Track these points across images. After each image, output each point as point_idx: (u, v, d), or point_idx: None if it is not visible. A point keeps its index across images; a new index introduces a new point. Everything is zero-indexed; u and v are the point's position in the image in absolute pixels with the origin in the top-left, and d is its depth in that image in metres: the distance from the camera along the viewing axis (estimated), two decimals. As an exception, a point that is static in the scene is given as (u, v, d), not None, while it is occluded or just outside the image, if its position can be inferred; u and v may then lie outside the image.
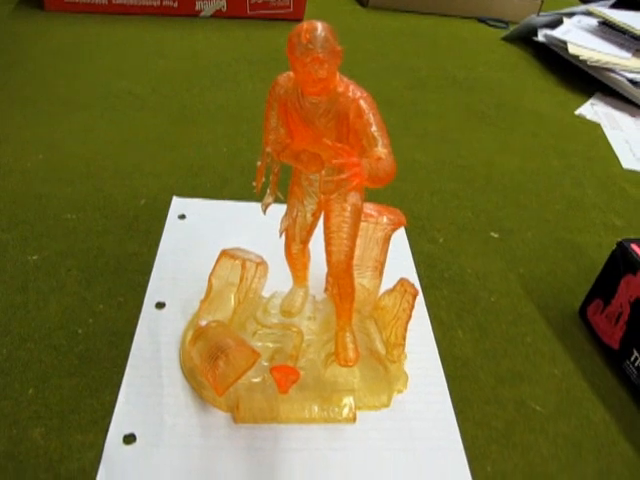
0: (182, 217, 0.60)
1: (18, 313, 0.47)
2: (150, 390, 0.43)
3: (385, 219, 0.48)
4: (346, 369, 0.44)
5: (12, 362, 0.43)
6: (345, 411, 0.43)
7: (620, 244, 0.50)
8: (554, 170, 0.76)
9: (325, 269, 0.41)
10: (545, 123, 0.87)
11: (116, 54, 0.89)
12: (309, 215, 0.42)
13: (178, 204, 0.61)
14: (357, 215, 0.40)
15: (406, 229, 0.62)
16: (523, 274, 0.58)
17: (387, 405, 0.44)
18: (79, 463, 0.38)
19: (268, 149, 0.38)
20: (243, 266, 0.47)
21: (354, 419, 0.42)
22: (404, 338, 0.45)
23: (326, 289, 0.46)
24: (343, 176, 0.30)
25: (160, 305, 0.50)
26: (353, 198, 0.39)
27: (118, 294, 0.50)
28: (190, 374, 0.44)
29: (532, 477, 0.41)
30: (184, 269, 0.53)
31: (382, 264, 0.49)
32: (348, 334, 0.43)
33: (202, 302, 0.47)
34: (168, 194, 0.62)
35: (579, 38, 1.02)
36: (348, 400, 0.43)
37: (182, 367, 0.45)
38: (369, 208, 0.49)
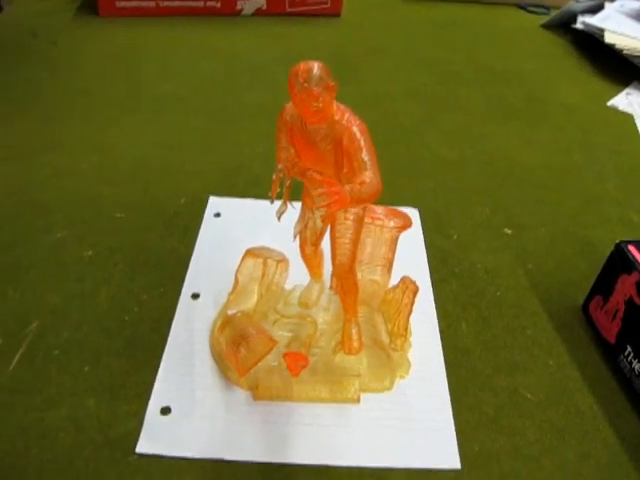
0: (217, 215, 0.66)
1: (76, 301, 0.55)
2: (184, 370, 0.50)
3: (392, 223, 0.52)
4: (353, 356, 0.50)
5: (71, 343, 0.51)
6: (350, 393, 0.48)
7: (618, 245, 0.52)
8: (577, 165, 0.77)
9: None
10: (574, 116, 0.87)
11: (162, 56, 0.96)
12: (319, 221, 0.47)
13: (214, 203, 0.68)
14: (359, 222, 0.45)
15: (422, 225, 0.66)
16: (531, 269, 0.62)
17: (389, 389, 0.50)
18: (125, 428, 0.45)
19: (280, 166, 0.44)
20: (265, 264, 0.53)
21: (358, 400, 0.48)
22: (406, 329, 0.51)
23: (331, 286, 0.52)
24: (324, 203, 0.35)
25: (195, 296, 0.57)
26: (355, 208, 0.44)
27: (159, 285, 0.57)
28: (218, 357, 0.51)
29: (515, 458, 0.45)
30: (217, 263, 0.60)
31: (390, 261, 0.54)
32: (354, 326, 0.49)
33: (230, 295, 0.54)
34: (206, 193, 0.69)
35: (619, 25, 1.00)
36: (354, 383, 0.49)
37: (211, 351, 0.52)
38: (379, 212, 0.53)
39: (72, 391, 0.48)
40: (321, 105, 0.37)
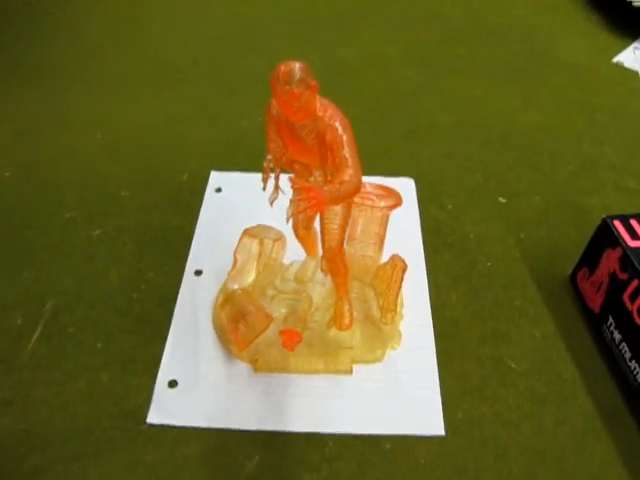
0: (218, 190, 0.68)
1: (88, 281, 0.58)
2: (189, 344, 0.54)
3: (382, 203, 0.54)
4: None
5: (85, 321, 0.55)
6: (343, 365, 0.52)
7: (604, 220, 0.54)
8: (575, 127, 0.77)
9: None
10: (576, 74, 0.86)
11: (162, 20, 0.96)
12: (309, 207, 0.49)
13: (215, 178, 0.70)
14: (347, 208, 0.46)
15: (418, 195, 0.68)
16: (523, 239, 0.63)
17: (380, 360, 0.53)
18: (136, 400, 0.50)
19: (269, 157, 0.46)
20: (261, 243, 0.56)
21: (351, 371, 0.52)
22: (395, 305, 0.53)
23: (321, 268, 0.54)
24: (301, 208, 0.38)
25: (198, 272, 0.60)
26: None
27: (164, 263, 0.60)
28: (220, 331, 0.54)
29: (496, 423, 0.49)
30: (219, 239, 0.62)
31: (382, 238, 0.56)
32: (345, 303, 0.52)
33: (229, 272, 0.57)
34: (208, 167, 0.71)
35: (630, -28, 0.96)
36: (346, 356, 0.52)
37: (214, 326, 0.55)
38: (370, 190, 0.55)
39: (87, 366, 0.52)
40: (302, 104, 0.39)
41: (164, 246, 0.62)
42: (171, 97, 0.81)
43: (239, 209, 0.65)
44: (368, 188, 0.56)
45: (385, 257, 0.57)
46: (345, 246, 0.56)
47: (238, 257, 0.56)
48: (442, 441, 0.48)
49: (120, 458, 0.46)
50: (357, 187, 0.40)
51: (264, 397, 0.50)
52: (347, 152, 0.40)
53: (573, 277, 0.59)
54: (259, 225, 0.57)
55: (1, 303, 0.56)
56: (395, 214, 0.65)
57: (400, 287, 0.53)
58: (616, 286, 0.52)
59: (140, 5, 0.99)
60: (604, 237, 0.54)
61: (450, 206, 0.67)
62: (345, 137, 0.40)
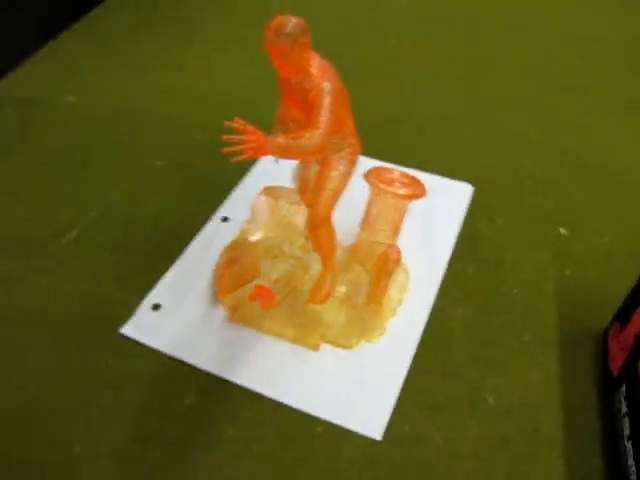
0: (278, 151, 0.70)
1: (131, 203, 0.64)
2: (187, 278, 0.56)
3: (402, 190, 0.51)
4: (331, 308, 0.52)
5: (114, 237, 0.60)
6: (312, 339, 0.50)
7: (647, 270, 0.45)
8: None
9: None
10: None
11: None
12: (312, 172, 0.49)
13: (281, 139, 0.72)
14: (342, 181, 0.45)
15: (471, 202, 0.63)
16: (568, 276, 0.55)
17: (352, 348, 0.50)
18: (121, 312, 0.53)
19: (275, 113, 0.46)
20: (276, 203, 0.56)
21: (317, 348, 0.50)
22: (381, 297, 0.50)
23: (305, 235, 0.53)
24: (237, 148, 0.37)
25: (225, 219, 0.62)
26: (342, 165, 0.45)
27: (203, 203, 0.63)
28: (215, 275, 0.56)
29: (440, 451, 0.44)
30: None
31: (396, 226, 0.53)
32: (326, 279, 0.50)
33: (245, 224, 0.58)
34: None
35: None
36: (318, 332, 0.51)
37: (215, 269, 0.57)
38: (395, 177, 0.53)
39: (98, 273, 0.57)
40: (291, 60, 0.39)
41: (210, 188, 0.65)
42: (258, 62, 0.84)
43: (289, 170, 0.66)
44: (395, 174, 0.53)
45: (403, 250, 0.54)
46: (357, 229, 0.55)
47: (255, 210, 0.57)
48: (374, 445, 0.44)
49: (82, 354, 0.50)
50: (316, 149, 0.38)
51: (230, 345, 0.51)
52: (323, 115, 0.38)
53: (606, 332, 0.50)
54: (283, 187, 0.58)
55: (59, 199, 0.64)
56: (436, 215, 0.62)
57: (389, 279, 0.50)
58: (638, 350, 0.44)
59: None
60: (642, 290, 0.45)
61: (501, 222, 0.60)
62: (327, 100, 0.39)
